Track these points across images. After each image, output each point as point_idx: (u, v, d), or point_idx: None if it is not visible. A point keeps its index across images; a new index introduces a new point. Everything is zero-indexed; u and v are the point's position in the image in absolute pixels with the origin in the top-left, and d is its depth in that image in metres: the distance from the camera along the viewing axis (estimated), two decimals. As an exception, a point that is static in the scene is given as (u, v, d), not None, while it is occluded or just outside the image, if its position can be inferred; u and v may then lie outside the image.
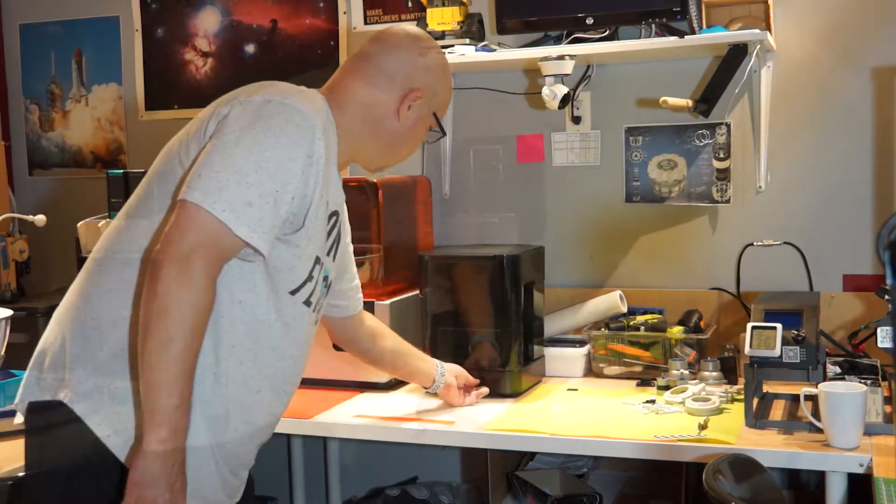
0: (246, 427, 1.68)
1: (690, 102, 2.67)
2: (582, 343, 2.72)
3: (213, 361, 1.60)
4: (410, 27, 1.88)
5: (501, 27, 2.75)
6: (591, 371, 2.70)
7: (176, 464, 1.48)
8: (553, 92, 2.64)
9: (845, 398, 1.97)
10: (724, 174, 2.77)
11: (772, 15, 2.64)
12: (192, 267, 1.48)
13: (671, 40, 2.57)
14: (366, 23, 3.16)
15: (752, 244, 2.75)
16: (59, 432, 1.63)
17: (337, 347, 2.61)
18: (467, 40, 2.78)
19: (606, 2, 2.62)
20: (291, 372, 1.75)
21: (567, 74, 2.65)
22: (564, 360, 2.68)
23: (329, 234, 1.76)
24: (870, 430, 2.03)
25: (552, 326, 2.76)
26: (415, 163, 3.09)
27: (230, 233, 1.51)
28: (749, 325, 2.15)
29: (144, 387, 1.47)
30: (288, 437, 3.15)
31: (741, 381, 2.32)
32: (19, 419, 1.74)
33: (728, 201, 2.78)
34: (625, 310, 2.73)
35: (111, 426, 1.59)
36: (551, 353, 2.69)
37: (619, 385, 2.58)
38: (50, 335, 1.70)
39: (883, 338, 2.06)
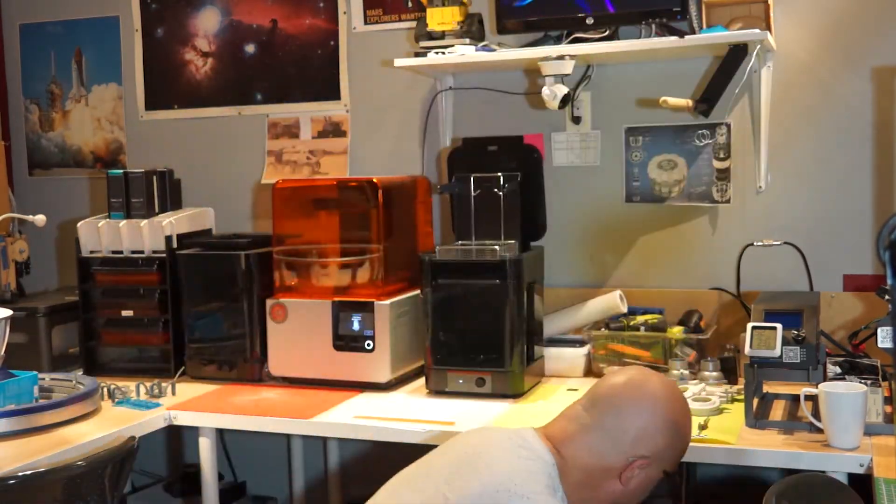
0: None
1: (690, 102, 2.67)
2: (582, 343, 2.72)
3: None
4: (655, 379, 1.75)
5: (501, 27, 2.75)
6: (591, 371, 2.70)
7: None
8: (553, 92, 2.64)
9: (845, 398, 1.97)
10: (724, 174, 2.77)
11: (772, 15, 2.64)
12: None
13: (671, 40, 2.57)
14: (366, 23, 3.16)
15: (752, 244, 2.75)
16: None
17: (337, 347, 2.62)
18: (467, 40, 2.78)
19: (606, 2, 2.62)
20: None
21: (567, 74, 2.65)
22: (564, 360, 2.68)
23: None
24: (870, 430, 2.03)
25: (552, 326, 2.76)
26: (415, 163, 3.09)
27: None
28: (749, 325, 2.15)
29: None
30: (288, 437, 3.15)
31: (741, 381, 2.32)
32: None
33: (728, 201, 2.77)
34: (625, 310, 2.73)
35: None
36: (551, 353, 2.69)
37: (619, 385, 2.58)
38: None
39: (883, 338, 2.06)
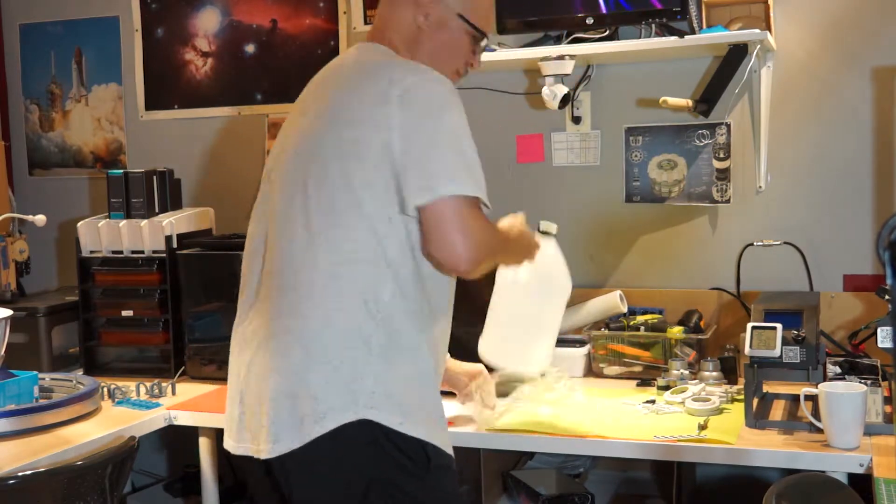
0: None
1: (690, 102, 2.67)
2: (582, 343, 2.72)
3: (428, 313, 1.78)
4: None
5: (501, 27, 2.74)
6: (591, 371, 2.70)
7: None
8: (553, 92, 2.64)
9: (845, 398, 1.97)
10: (724, 174, 2.77)
11: (772, 15, 2.64)
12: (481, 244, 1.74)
13: (671, 40, 2.57)
14: (366, 23, 3.15)
15: (752, 244, 2.75)
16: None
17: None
18: (467, 40, 2.77)
19: (606, 2, 2.62)
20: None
21: (567, 74, 2.65)
22: (564, 360, 2.68)
23: None
24: (870, 430, 2.03)
25: (552, 326, 2.76)
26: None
27: (478, 200, 1.72)
28: (749, 325, 2.15)
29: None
30: (288, 437, 3.14)
31: (741, 381, 2.32)
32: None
33: (728, 201, 2.77)
34: (625, 310, 2.73)
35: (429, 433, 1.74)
36: (551, 353, 2.68)
37: (619, 385, 2.58)
38: (330, 356, 1.68)
39: (883, 338, 2.06)
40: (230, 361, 1.85)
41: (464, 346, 2.51)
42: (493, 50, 2.75)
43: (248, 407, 1.76)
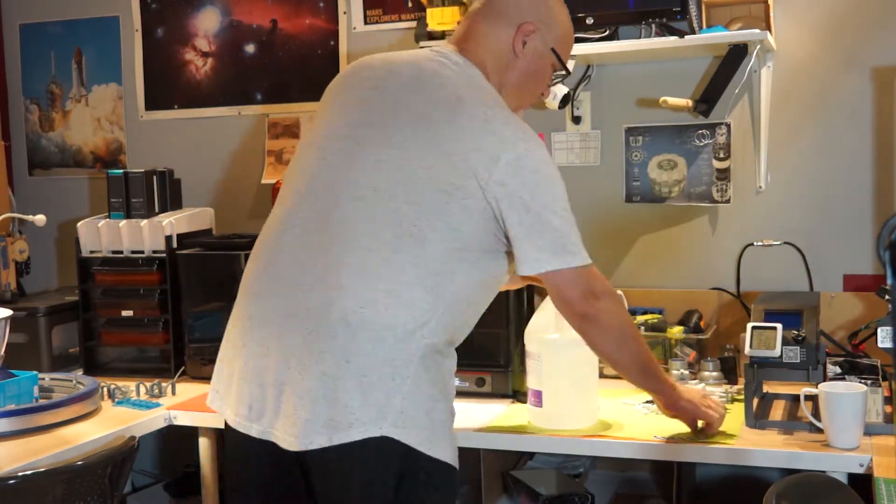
0: None
1: (690, 102, 2.68)
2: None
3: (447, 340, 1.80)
4: None
5: (501, 27, 2.74)
6: (591, 371, 2.69)
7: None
8: (553, 92, 2.64)
9: (845, 398, 1.97)
10: (724, 174, 2.77)
11: (772, 15, 2.64)
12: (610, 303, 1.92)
13: (671, 40, 2.57)
14: (366, 23, 3.16)
15: (752, 244, 2.75)
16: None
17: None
18: (467, 40, 2.77)
19: (606, 2, 2.62)
20: None
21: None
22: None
23: None
24: (870, 430, 2.03)
25: (552, 326, 2.76)
26: (415, 163, 3.09)
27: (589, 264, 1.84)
28: (749, 325, 2.15)
29: (650, 387, 2.05)
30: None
31: (741, 381, 2.32)
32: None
33: (728, 201, 2.78)
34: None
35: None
36: (551, 353, 2.68)
37: (620, 385, 2.58)
38: (368, 371, 1.69)
39: (883, 338, 2.06)
40: (241, 331, 1.82)
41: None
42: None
43: (263, 388, 1.75)
